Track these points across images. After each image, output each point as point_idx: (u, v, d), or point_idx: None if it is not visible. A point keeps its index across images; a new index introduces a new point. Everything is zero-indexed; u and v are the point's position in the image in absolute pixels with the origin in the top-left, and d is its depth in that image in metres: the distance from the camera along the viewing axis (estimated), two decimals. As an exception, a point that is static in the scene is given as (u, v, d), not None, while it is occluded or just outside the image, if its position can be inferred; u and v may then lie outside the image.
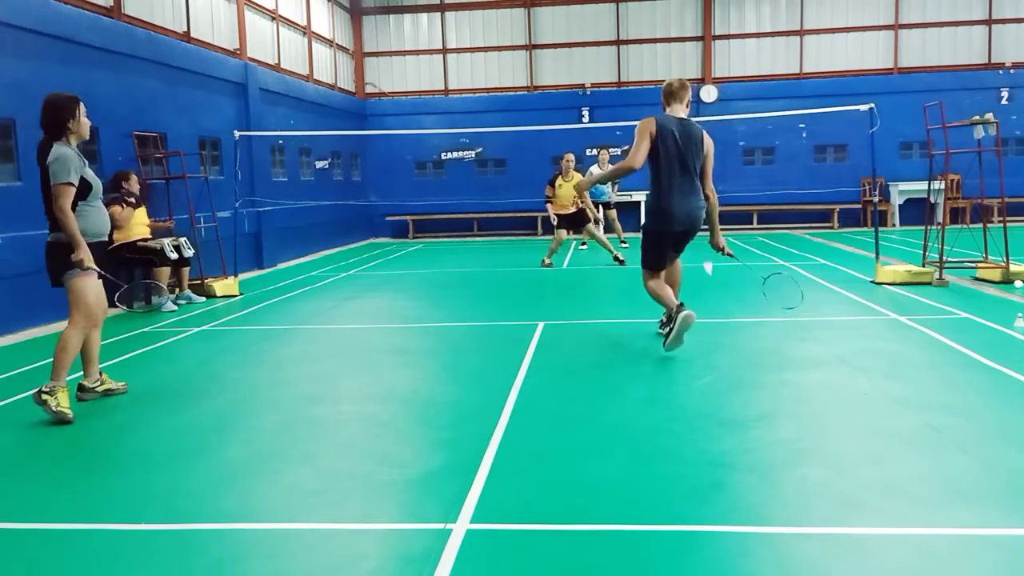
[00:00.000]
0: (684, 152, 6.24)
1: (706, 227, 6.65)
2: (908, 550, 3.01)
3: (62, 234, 5.00)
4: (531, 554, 3.06)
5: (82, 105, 5.15)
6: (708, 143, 6.40)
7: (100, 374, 5.54)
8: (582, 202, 13.27)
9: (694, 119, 6.56)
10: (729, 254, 6.78)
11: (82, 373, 5.50)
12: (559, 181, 13.25)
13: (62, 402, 5.00)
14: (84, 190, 5.07)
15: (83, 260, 4.99)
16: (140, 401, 5.38)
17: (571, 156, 13.52)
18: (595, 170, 16.10)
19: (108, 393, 5.52)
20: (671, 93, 6.45)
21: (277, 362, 6.64)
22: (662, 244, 6.45)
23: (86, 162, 5.16)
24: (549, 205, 13.38)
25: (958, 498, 3.44)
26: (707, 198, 6.43)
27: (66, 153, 4.98)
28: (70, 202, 4.95)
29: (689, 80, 8.05)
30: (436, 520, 3.34)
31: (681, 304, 6.20)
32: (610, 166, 16.28)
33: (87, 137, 5.27)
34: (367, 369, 6.34)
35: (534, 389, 5.38)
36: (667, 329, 6.31)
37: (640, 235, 6.73)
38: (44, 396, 4.98)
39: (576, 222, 13.56)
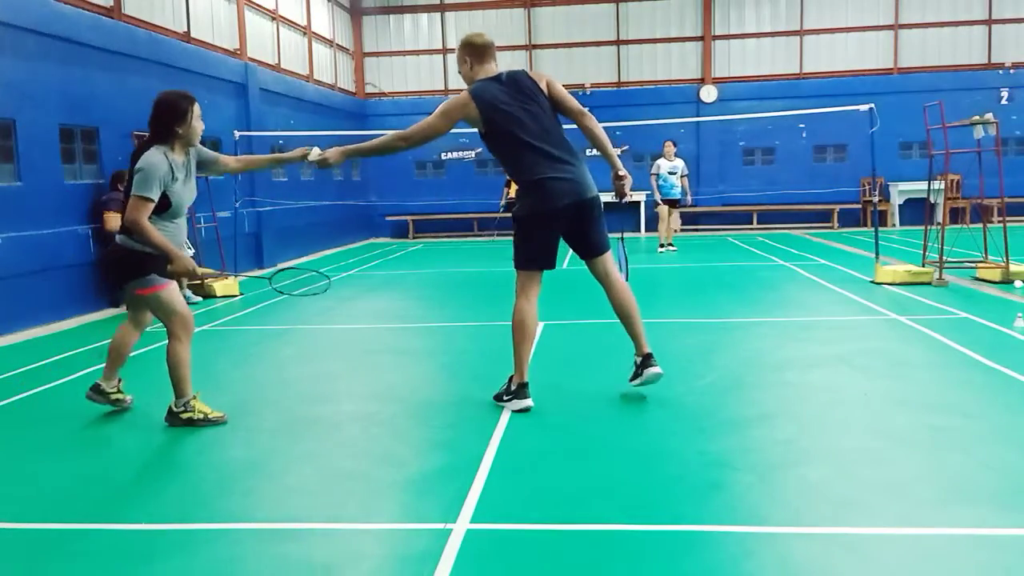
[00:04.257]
0: (529, 113, 4.82)
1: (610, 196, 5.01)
2: (908, 550, 3.02)
3: (129, 238, 4.60)
4: (531, 554, 3.06)
5: (197, 107, 4.68)
6: (542, 79, 4.92)
7: (119, 383, 5.17)
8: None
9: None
10: (624, 194, 5.06)
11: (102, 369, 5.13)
12: None
13: (206, 409, 4.79)
14: (163, 206, 4.57)
15: (187, 268, 4.67)
16: (140, 401, 5.37)
17: None
18: (662, 163, 14.72)
19: (117, 404, 5.12)
20: (483, 49, 4.96)
21: (277, 362, 6.64)
22: (545, 230, 4.89)
23: (188, 173, 4.72)
24: (507, 189, 13.16)
25: (958, 498, 3.44)
26: (587, 128, 4.96)
27: (155, 163, 4.48)
28: (146, 217, 4.47)
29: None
30: (436, 520, 3.34)
31: (524, 386, 4.96)
32: (678, 160, 14.72)
33: (196, 144, 4.78)
34: (367, 369, 6.35)
35: (534, 389, 5.36)
36: (503, 396, 5.06)
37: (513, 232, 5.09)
38: (185, 415, 4.73)
39: None
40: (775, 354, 6.28)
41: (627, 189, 5.01)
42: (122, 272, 4.76)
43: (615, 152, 5.06)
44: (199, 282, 10.31)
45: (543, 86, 4.89)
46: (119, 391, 5.15)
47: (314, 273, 5.22)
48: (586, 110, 4.95)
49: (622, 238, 5.51)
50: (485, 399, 5.13)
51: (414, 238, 20.44)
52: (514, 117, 4.81)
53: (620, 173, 4.98)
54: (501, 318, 8.56)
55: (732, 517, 3.33)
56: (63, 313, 8.93)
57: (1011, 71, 19.41)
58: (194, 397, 4.82)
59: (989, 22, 19.76)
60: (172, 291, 4.80)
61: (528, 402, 4.97)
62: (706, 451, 4.10)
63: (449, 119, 4.85)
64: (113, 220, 9.28)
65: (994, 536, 3.10)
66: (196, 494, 3.78)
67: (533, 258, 4.95)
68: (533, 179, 4.84)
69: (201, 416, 4.79)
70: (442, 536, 3.18)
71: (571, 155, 4.91)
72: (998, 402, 4.83)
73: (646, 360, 5.09)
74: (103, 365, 5.13)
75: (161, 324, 4.93)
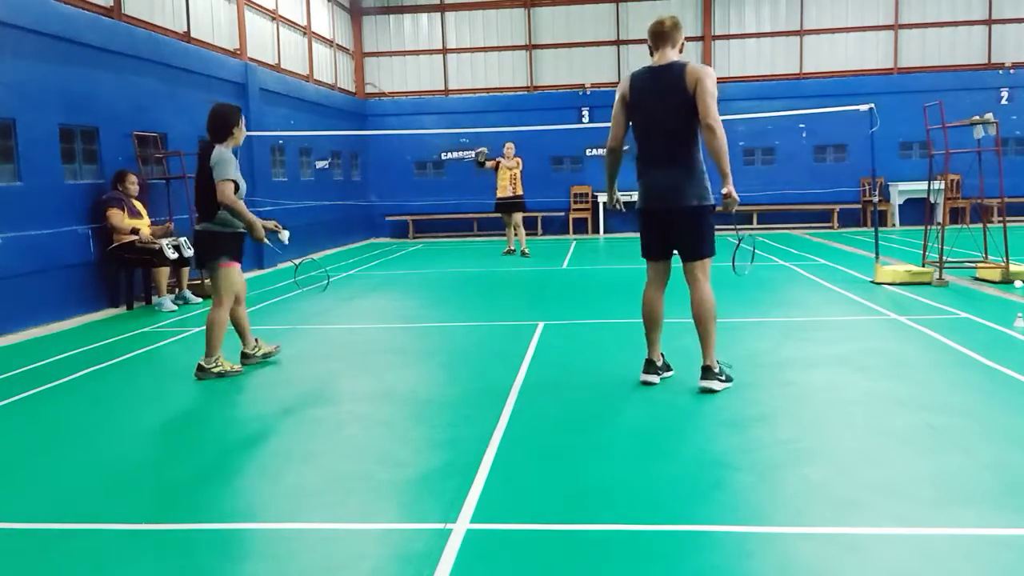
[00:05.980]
0: (659, 108, 4.92)
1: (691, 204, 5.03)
2: (908, 550, 3.01)
3: (211, 225, 5.82)
4: (531, 554, 3.06)
5: (243, 117, 6.05)
6: (693, 78, 4.82)
7: (256, 341, 6.35)
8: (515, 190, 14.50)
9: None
10: (728, 205, 4.98)
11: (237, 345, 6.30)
12: (499, 161, 14.66)
13: (226, 364, 5.93)
14: (235, 189, 5.80)
15: (261, 237, 5.91)
16: (139, 401, 5.38)
17: (510, 144, 14.85)
18: None
19: (267, 357, 6.35)
20: (652, 37, 5.01)
21: (277, 362, 6.64)
22: (645, 227, 5.26)
23: (238, 166, 5.97)
24: (482, 167, 14.84)
25: (958, 498, 3.44)
26: (705, 139, 4.92)
27: (226, 154, 5.83)
28: (233, 193, 5.73)
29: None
30: (436, 520, 3.34)
31: (648, 362, 5.37)
32: None
33: (240, 144, 6.05)
34: (367, 369, 6.34)
35: (534, 389, 5.38)
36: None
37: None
38: (216, 369, 5.85)
39: (508, 207, 14.60)
40: (775, 354, 6.28)
41: (731, 208, 4.98)
42: (209, 251, 5.86)
43: (727, 168, 4.90)
44: (199, 282, 10.31)
45: (689, 83, 4.82)
46: (222, 361, 6.05)
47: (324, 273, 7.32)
48: (713, 124, 4.79)
49: (741, 239, 5.85)
50: (485, 399, 5.14)
51: (414, 238, 20.45)
52: (643, 108, 4.99)
53: (723, 192, 4.98)
54: (501, 318, 8.59)
55: (732, 517, 3.33)
56: (63, 313, 8.93)
57: (1011, 71, 19.41)
58: (219, 356, 5.93)
59: (989, 22, 19.76)
60: (237, 269, 6.02)
61: (648, 378, 5.37)
62: (706, 451, 4.10)
63: (617, 101, 5.10)
64: (114, 217, 9.29)
65: (994, 536, 3.10)
66: (196, 494, 3.78)
67: (643, 246, 5.34)
68: (638, 175, 5.19)
69: (227, 368, 5.95)
70: (442, 536, 3.18)
71: (680, 159, 4.97)
72: (998, 402, 4.83)
73: (703, 371, 5.21)
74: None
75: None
